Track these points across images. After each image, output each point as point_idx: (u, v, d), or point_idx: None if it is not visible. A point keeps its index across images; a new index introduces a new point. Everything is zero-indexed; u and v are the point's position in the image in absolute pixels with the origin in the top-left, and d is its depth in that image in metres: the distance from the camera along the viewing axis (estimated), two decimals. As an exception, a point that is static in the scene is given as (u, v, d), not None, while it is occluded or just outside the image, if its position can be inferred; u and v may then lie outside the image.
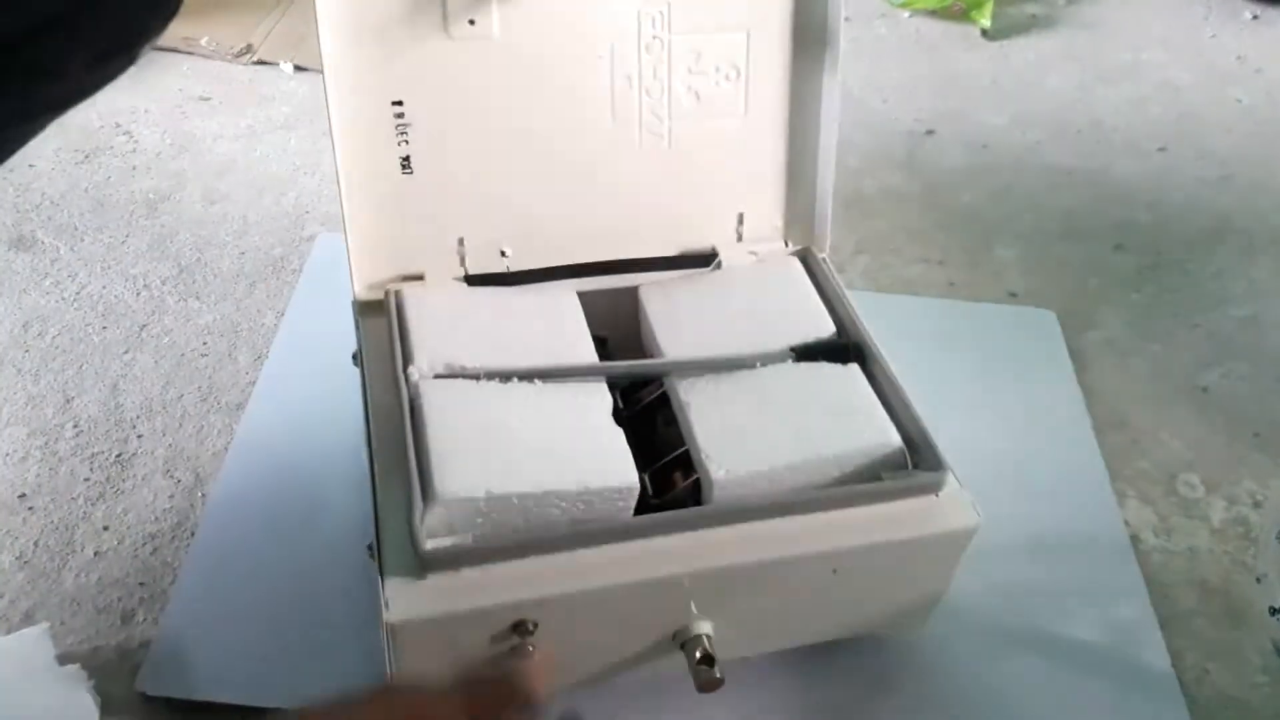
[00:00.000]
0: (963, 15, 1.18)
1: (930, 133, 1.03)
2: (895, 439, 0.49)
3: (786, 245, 0.62)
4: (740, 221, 0.61)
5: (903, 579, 0.51)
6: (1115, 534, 0.66)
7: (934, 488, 0.48)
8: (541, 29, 0.54)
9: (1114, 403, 0.75)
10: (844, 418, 0.50)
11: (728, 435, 0.49)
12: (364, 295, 0.57)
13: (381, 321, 0.54)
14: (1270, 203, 0.96)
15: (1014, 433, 0.71)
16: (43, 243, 0.82)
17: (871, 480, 0.49)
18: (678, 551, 0.46)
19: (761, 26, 0.57)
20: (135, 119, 0.94)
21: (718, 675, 0.47)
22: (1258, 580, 0.59)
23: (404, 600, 0.43)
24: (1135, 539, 0.66)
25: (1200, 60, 1.17)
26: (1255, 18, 1.25)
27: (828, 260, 0.61)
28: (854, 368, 0.53)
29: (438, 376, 0.51)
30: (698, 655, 0.48)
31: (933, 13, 1.20)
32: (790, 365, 0.53)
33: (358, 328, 0.56)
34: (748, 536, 0.47)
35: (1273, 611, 0.61)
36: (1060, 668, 0.58)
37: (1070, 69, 1.15)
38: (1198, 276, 0.88)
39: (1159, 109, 1.08)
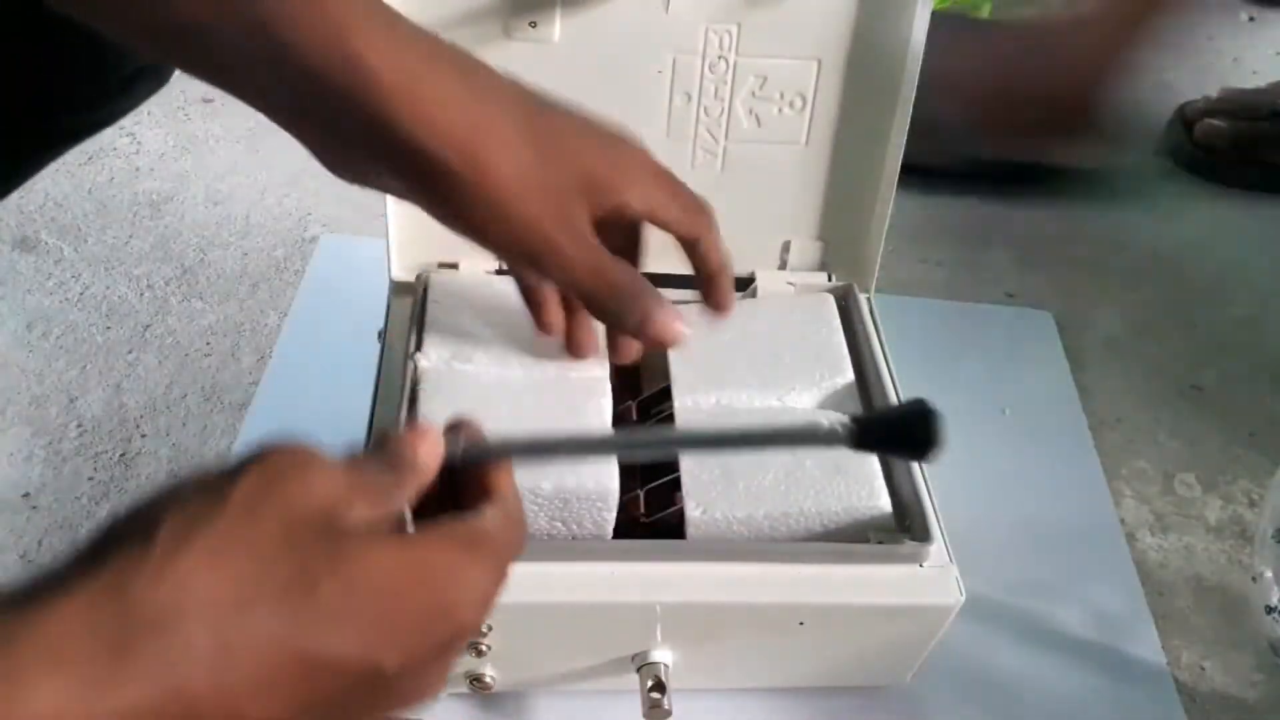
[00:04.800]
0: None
1: (929, 134, 1.03)
2: (884, 504, 0.48)
3: (830, 280, 0.61)
4: (785, 250, 0.61)
5: (874, 641, 0.50)
6: (1111, 532, 0.66)
7: (916, 558, 0.47)
8: (603, 37, 0.54)
9: (1111, 402, 0.76)
10: (838, 474, 0.49)
11: (715, 473, 0.49)
12: (400, 276, 0.58)
13: (408, 302, 0.55)
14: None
15: (1011, 432, 0.72)
16: (46, 244, 0.82)
17: (859, 539, 0.48)
18: (642, 580, 0.46)
19: (834, 57, 0.56)
20: (138, 120, 0.95)
21: (666, 706, 0.47)
22: (1254, 579, 0.60)
23: None
24: (1131, 537, 0.66)
25: (1197, 62, 1.18)
26: (1252, 20, 1.26)
27: (871, 300, 0.60)
28: None
29: (445, 364, 0.51)
30: (650, 683, 0.48)
31: (931, 13, 1.20)
32: (797, 411, 0.52)
33: (389, 306, 0.58)
34: (715, 576, 0.46)
35: (1269, 610, 0.62)
36: (1055, 665, 0.58)
37: (1068, 71, 1.16)
38: (1195, 277, 0.88)
39: (1157, 110, 1.09)
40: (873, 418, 0.37)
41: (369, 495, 0.29)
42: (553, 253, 0.39)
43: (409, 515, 0.32)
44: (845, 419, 0.35)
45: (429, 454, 0.32)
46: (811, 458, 0.49)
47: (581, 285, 0.41)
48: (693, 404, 0.52)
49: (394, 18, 0.36)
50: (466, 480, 0.34)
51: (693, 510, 0.47)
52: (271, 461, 0.28)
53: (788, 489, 0.48)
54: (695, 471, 0.49)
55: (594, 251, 0.40)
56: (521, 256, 0.39)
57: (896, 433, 0.36)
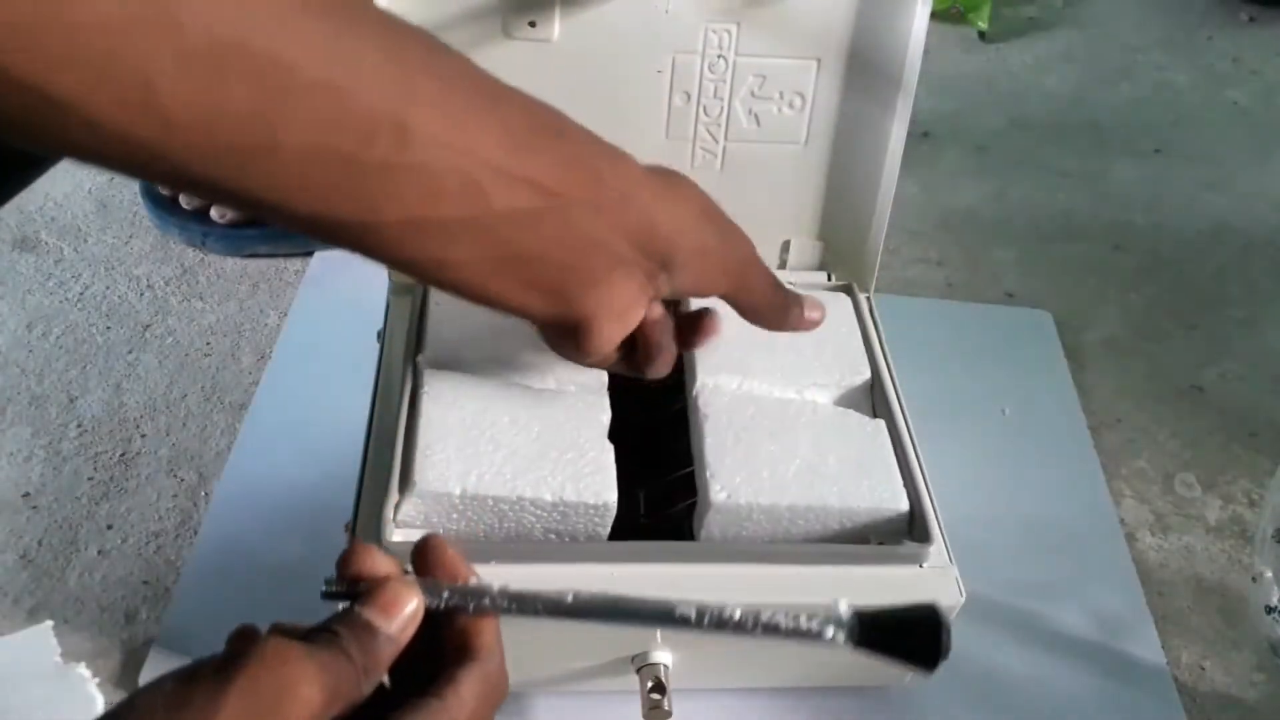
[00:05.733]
0: (960, 18, 1.19)
1: (927, 134, 1.03)
2: (904, 505, 0.48)
3: (830, 279, 0.62)
4: (785, 250, 0.61)
5: None
6: (1111, 532, 0.66)
7: (916, 558, 0.47)
8: (602, 37, 0.54)
9: (1111, 402, 0.76)
10: (860, 473, 0.49)
11: (738, 459, 0.48)
12: (398, 276, 0.58)
13: (407, 301, 0.55)
14: (1267, 204, 0.97)
15: (1010, 432, 0.72)
16: (46, 244, 0.82)
17: (858, 539, 0.48)
18: (643, 582, 0.45)
19: (834, 57, 0.56)
20: (137, 121, 0.95)
21: (666, 707, 0.47)
22: (1254, 579, 0.60)
23: None
24: (1131, 537, 0.66)
25: (1197, 62, 1.18)
26: (1252, 19, 1.26)
27: (871, 300, 0.60)
28: (880, 423, 0.51)
29: (445, 367, 0.51)
30: (650, 684, 0.48)
31: (930, 15, 1.20)
32: (818, 405, 0.52)
33: (388, 306, 0.57)
34: (715, 577, 0.46)
35: (1269, 610, 0.62)
36: (1055, 665, 0.58)
37: (1067, 71, 1.16)
38: (1195, 277, 0.88)
39: (1156, 110, 1.09)
40: (879, 618, 0.35)
41: (348, 694, 0.30)
42: (761, 274, 0.45)
43: (386, 679, 0.32)
44: (848, 614, 0.34)
45: (406, 622, 0.32)
46: (833, 455, 0.49)
47: (773, 299, 0.46)
48: (714, 385, 0.52)
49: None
50: (449, 626, 0.33)
51: (717, 494, 0.47)
52: (253, 685, 0.28)
53: (812, 483, 0.48)
54: (720, 455, 0.49)
55: (771, 273, 0.45)
56: (742, 273, 0.44)
57: (902, 639, 0.35)
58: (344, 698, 0.30)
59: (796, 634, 0.34)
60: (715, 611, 0.34)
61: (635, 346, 0.43)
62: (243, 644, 0.29)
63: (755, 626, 0.34)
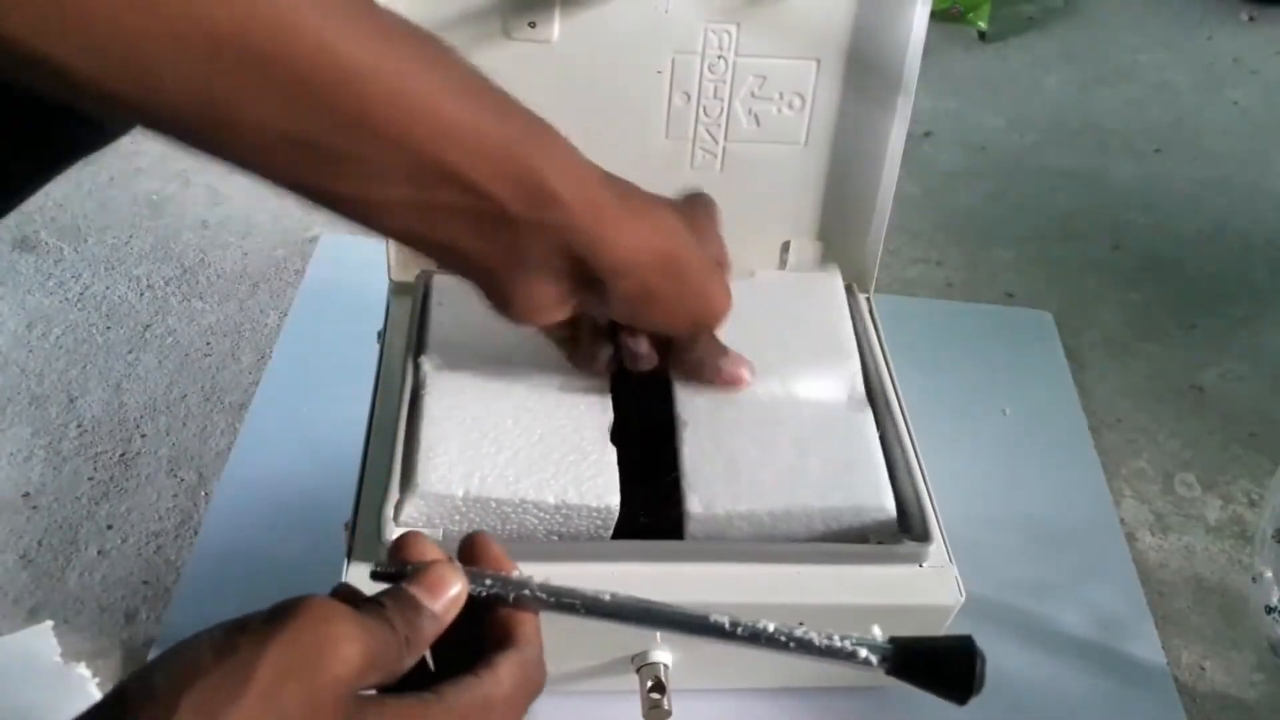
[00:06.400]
0: (960, 17, 1.19)
1: (928, 134, 1.03)
2: (889, 506, 0.48)
3: None
4: (785, 250, 0.61)
5: None
6: (1111, 532, 0.66)
7: (916, 558, 0.47)
8: (602, 37, 0.54)
9: (1111, 402, 0.76)
10: (843, 471, 0.48)
11: (717, 467, 0.48)
12: (399, 276, 0.58)
13: (408, 301, 0.55)
14: (1267, 204, 0.97)
15: (1011, 432, 0.72)
16: (46, 244, 0.82)
17: (858, 539, 0.48)
18: (644, 582, 0.45)
19: (834, 57, 0.56)
20: (137, 121, 0.95)
21: (666, 706, 0.47)
22: (1254, 579, 0.60)
23: (362, 584, 0.44)
24: (1131, 537, 0.66)
25: (1197, 62, 1.18)
26: (1251, 19, 1.26)
27: (871, 300, 0.60)
28: (868, 416, 0.51)
29: (447, 368, 0.51)
30: (649, 683, 0.48)
31: (930, 14, 1.20)
32: (801, 403, 0.52)
33: (388, 306, 0.57)
34: (715, 577, 0.46)
35: (1269, 610, 0.62)
36: (1055, 665, 0.58)
37: (1067, 70, 1.16)
38: (1194, 277, 0.88)
39: (1156, 110, 1.09)
40: (915, 647, 0.35)
41: (389, 662, 0.30)
42: (708, 337, 0.48)
43: (428, 656, 0.32)
44: (884, 640, 0.34)
45: (450, 603, 0.32)
46: (816, 455, 0.49)
47: (704, 358, 0.50)
48: (695, 388, 0.52)
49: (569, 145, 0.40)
50: (491, 613, 0.34)
51: (694, 505, 0.47)
52: (297, 636, 0.28)
53: (792, 486, 0.48)
54: (697, 463, 0.48)
55: (715, 336, 0.49)
56: (690, 325, 0.47)
57: (937, 670, 0.35)
58: (384, 667, 0.30)
59: (830, 653, 0.34)
60: (750, 624, 0.34)
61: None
62: (292, 601, 0.30)
63: (789, 641, 0.34)
